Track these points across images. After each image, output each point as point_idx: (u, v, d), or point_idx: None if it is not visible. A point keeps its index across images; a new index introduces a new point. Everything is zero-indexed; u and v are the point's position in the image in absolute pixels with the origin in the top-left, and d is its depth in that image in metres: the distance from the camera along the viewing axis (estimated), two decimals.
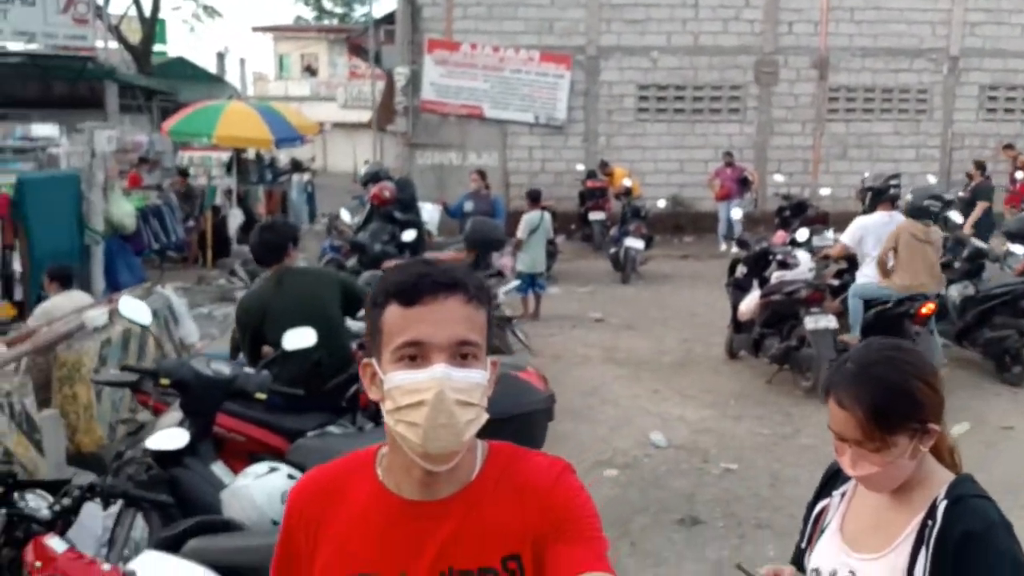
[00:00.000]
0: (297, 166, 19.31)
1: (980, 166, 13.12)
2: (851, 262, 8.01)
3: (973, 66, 17.17)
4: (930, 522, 1.75)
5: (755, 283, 8.17)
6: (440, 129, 17.09)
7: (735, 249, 14.24)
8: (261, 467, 3.46)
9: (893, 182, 8.97)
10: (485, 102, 17.08)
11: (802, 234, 8.75)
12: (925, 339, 7.30)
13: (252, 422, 4.21)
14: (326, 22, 48.44)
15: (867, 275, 7.55)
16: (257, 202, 16.36)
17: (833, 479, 2.04)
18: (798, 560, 2.04)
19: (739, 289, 8.41)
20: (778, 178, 15.74)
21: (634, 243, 12.50)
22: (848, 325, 7.50)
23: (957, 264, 8.71)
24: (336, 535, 1.45)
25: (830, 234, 9.55)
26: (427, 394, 1.31)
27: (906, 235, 7.28)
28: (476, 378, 1.36)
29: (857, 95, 17.26)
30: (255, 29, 52.24)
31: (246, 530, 2.96)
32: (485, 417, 1.38)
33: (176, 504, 3.29)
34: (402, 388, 1.34)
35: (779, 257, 7.89)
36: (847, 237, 7.92)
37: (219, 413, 3.91)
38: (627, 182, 14.51)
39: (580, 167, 16.54)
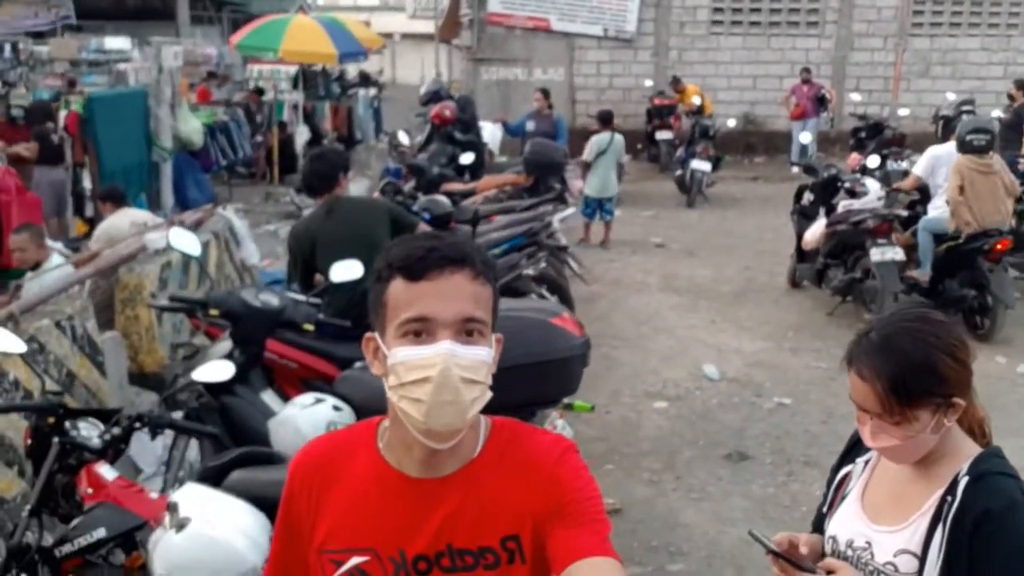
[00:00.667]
0: (365, 80, 19.21)
1: (1022, 86, 12.14)
2: (924, 193, 7.70)
3: None
4: (949, 498, 1.70)
5: (822, 211, 7.93)
6: (506, 43, 16.75)
7: (795, 170, 13.97)
8: (307, 397, 3.54)
9: (966, 107, 8.55)
10: (553, 14, 16.64)
11: (873, 160, 8.40)
12: (999, 276, 7.00)
13: (305, 349, 4.28)
14: None
15: (938, 207, 7.26)
16: (323, 118, 16.40)
17: (858, 445, 1.98)
18: (819, 524, 2.01)
19: (804, 217, 8.18)
20: (855, 97, 15.12)
21: (700, 165, 12.21)
22: (918, 260, 7.26)
23: None
24: (336, 508, 1.44)
25: (904, 163, 9.20)
26: (432, 370, 1.29)
27: (966, 170, 6.92)
28: (482, 355, 1.34)
29: (944, 7, 16.31)
30: None
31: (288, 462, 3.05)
32: (489, 395, 1.36)
33: (227, 431, 3.40)
34: (407, 364, 1.32)
35: (847, 185, 7.61)
36: (919, 168, 7.65)
37: (272, 340, 4.00)
38: (697, 100, 14.11)
39: (649, 83, 16.12)
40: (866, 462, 1.93)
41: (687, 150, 12.75)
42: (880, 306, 7.10)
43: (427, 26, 32.74)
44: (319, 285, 4.46)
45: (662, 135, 14.71)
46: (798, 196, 8.50)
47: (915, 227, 7.43)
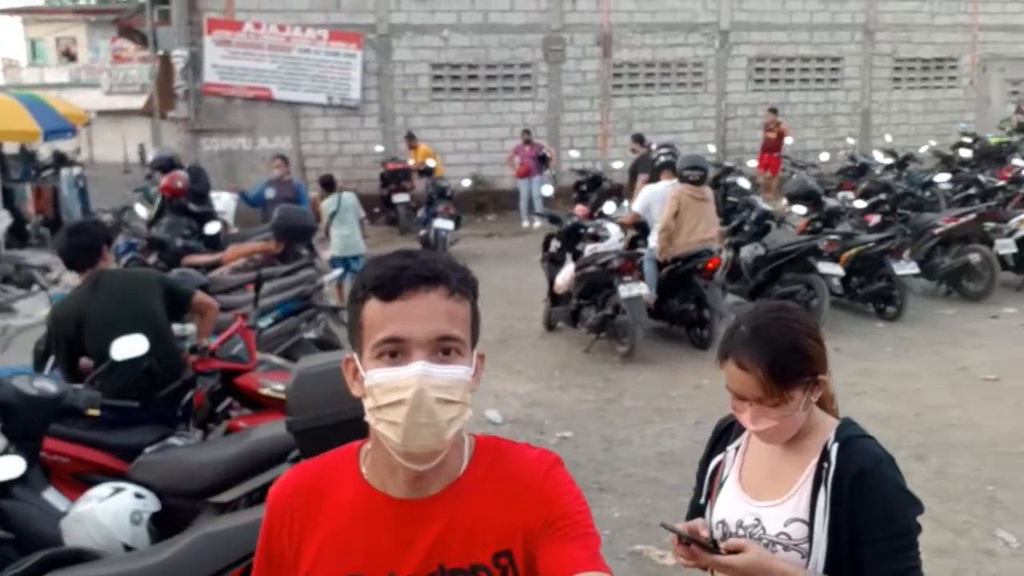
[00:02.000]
0: (62, 159, 17.79)
1: (638, 139, 13.88)
2: (644, 229, 8.48)
3: (742, 39, 18.42)
4: (825, 464, 1.89)
5: (569, 257, 8.42)
6: (227, 113, 16.32)
7: (537, 224, 14.73)
8: (104, 489, 3.21)
9: (663, 151, 9.95)
10: (274, 83, 16.46)
11: (609, 207, 9.10)
12: (712, 290, 7.98)
13: (78, 442, 3.87)
14: (83, 2, 44.77)
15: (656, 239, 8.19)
16: (24, 201, 14.99)
17: (724, 436, 2.14)
18: (695, 516, 2.12)
19: (554, 263, 8.65)
20: (573, 153, 16.30)
21: (444, 223, 12.52)
22: None
23: (747, 227, 9.39)
24: (321, 536, 1.40)
25: (625, 203, 10.09)
26: (406, 392, 1.27)
27: (685, 197, 8.08)
28: (459, 374, 1.32)
29: (639, 70, 18.09)
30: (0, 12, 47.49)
31: (102, 558, 2.72)
32: (469, 413, 1.35)
33: (12, 540, 2.97)
34: (382, 386, 1.30)
35: (590, 230, 8.17)
36: (637, 205, 8.64)
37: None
38: (431, 163, 14.49)
39: (379, 148, 16.35)
40: (736, 448, 2.08)
41: (428, 210, 13.03)
42: (632, 338, 7.69)
43: (127, 101, 31.00)
44: (87, 369, 4.06)
45: (399, 198, 14.92)
46: (546, 244, 8.97)
47: (640, 259, 8.11)
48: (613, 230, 8.16)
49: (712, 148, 16.94)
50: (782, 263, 8.67)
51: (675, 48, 18.18)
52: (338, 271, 8.05)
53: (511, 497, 1.39)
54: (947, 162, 14.72)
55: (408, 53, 16.97)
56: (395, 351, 1.30)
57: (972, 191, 11.00)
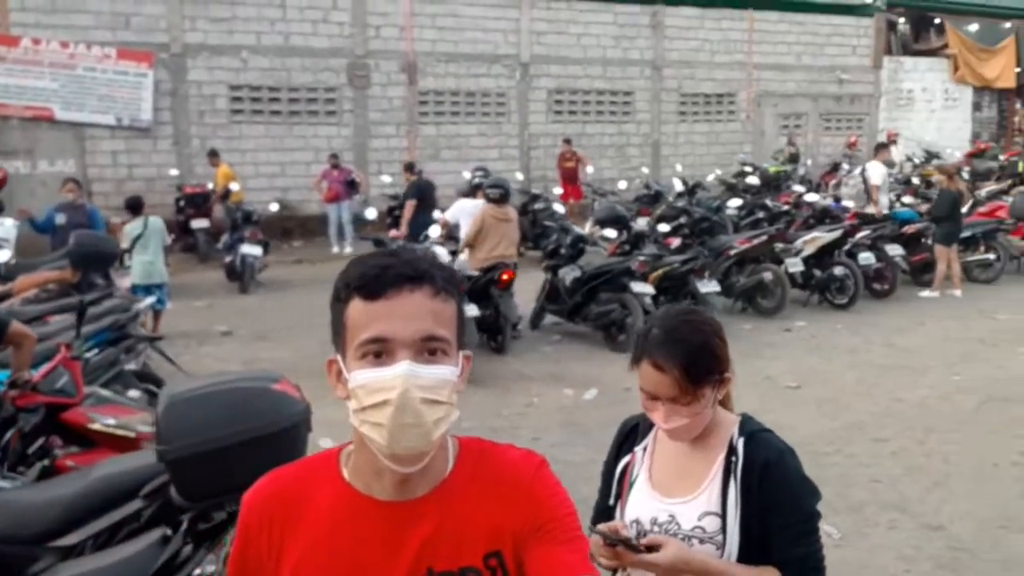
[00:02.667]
0: None
1: (409, 167, 14.32)
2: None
3: (541, 72, 19.07)
4: (733, 458, 1.99)
5: None
6: (2, 134, 14.96)
7: (348, 249, 14.51)
8: None
9: (479, 173, 10.84)
10: (55, 103, 15.27)
11: (435, 230, 9.13)
12: (506, 299, 8.53)
13: None
14: None
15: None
16: None
17: (629, 437, 2.20)
18: (603, 518, 2.15)
19: None
20: (385, 179, 16.19)
21: (251, 250, 12.04)
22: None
23: (563, 251, 9.69)
24: (303, 543, 1.35)
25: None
26: (391, 393, 1.24)
27: (487, 216, 8.76)
28: (444, 374, 1.29)
29: (444, 99, 18.29)
30: None
31: None
32: (456, 414, 1.31)
33: None
34: (366, 387, 1.27)
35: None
36: (448, 214, 9.46)
37: None
38: (235, 186, 13.93)
39: (174, 172, 15.54)
40: (644, 449, 2.14)
41: (233, 236, 12.49)
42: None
43: None
44: None
45: (198, 223, 14.23)
46: None
47: None
48: (441, 252, 8.17)
49: (520, 175, 17.37)
50: (598, 284, 9.00)
51: (479, 78, 18.55)
52: (151, 299, 7.52)
53: (499, 498, 1.37)
54: (732, 189, 15.91)
55: (204, 73, 16.28)
56: (379, 351, 1.27)
57: (761, 215, 11.92)
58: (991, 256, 11.95)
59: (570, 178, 17.38)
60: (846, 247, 10.60)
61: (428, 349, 1.28)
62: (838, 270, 10.48)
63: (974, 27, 23.76)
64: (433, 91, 18.14)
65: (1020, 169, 17.77)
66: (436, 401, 1.27)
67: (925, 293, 11.24)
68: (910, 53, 23.91)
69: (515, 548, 1.35)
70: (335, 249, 15.40)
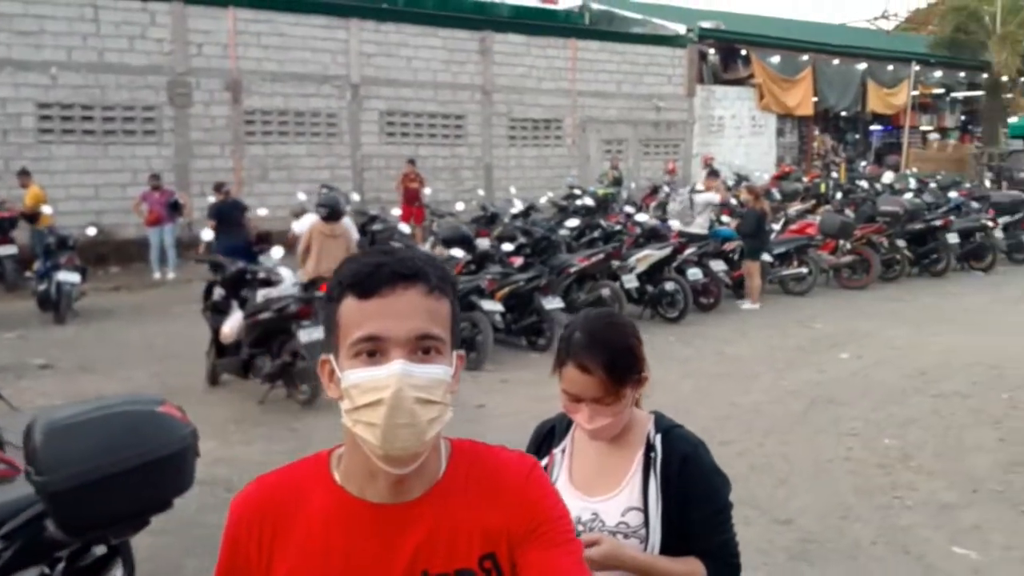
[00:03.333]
0: None
1: (218, 187, 14.15)
2: None
3: (372, 94, 18.98)
4: (652, 454, 2.05)
5: (235, 304, 8.01)
6: None
7: (171, 275, 13.82)
8: None
9: (323, 190, 10.83)
10: None
11: (277, 251, 8.83)
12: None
13: None
14: None
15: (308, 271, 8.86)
16: None
17: (546, 440, 2.23)
18: None
19: (218, 312, 8.15)
20: (211, 200, 15.50)
21: (68, 277, 11.23)
22: None
23: None
24: (295, 549, 1.32)
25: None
26: (385, 392, 1.23)
27: (317, 232, 9.00)
28: (438, 374, 1.28)
29: (272, 118, 17.84)
30: None
31: None
32: (450, 414, 1.30)
33: None
34: (359, 386, 1.25)
35: (261, 275, 7.84)
36: (297, 227, 9.83)
37: None
38: (47, 209, 12.97)
39: None
40: (562, 450, 2.17)
41: (47, 262, 11.60)
42: (315, 383, 7.49)
43: None
44: None
45: (5, 250, 13.13)
46: (207, 293, 8.45)
47: None
48: (286, 274, 7.92)
49: (356, 196, 17.15)
50: None
51: (308, 98, 18.23)
52: None
53: (493, 499, 1.36)
54: (563, 211, 16.36)
55: (10, 90, 15.15)
56: (373, 350, 1.25)
57: (596, 235, 12.32)
58: (804, 270, 12.88)
59: (412, 199, 17.35)
60: (675, 264, 11.14)
61: (422, 348, 1.26)
62: (669, 285, 10.98)
63: (776, 59, 25.66)
64: (260, 110, 17.66)
65: (823, 190, 19.29)
66: (430, 401, 1.25)
67: (746, 305, 11.96)
68: (720, 82, 25.52)
69: (509, 550, 1.34)
70: (156, 275, 14.67)
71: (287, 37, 17.83)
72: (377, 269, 1.27)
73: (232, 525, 1.36)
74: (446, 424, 1.31)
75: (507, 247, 10.88)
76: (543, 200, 17.54)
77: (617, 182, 20.05)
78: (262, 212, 14.15)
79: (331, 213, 9.07)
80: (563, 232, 13.00)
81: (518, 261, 10.75)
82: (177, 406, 2.64)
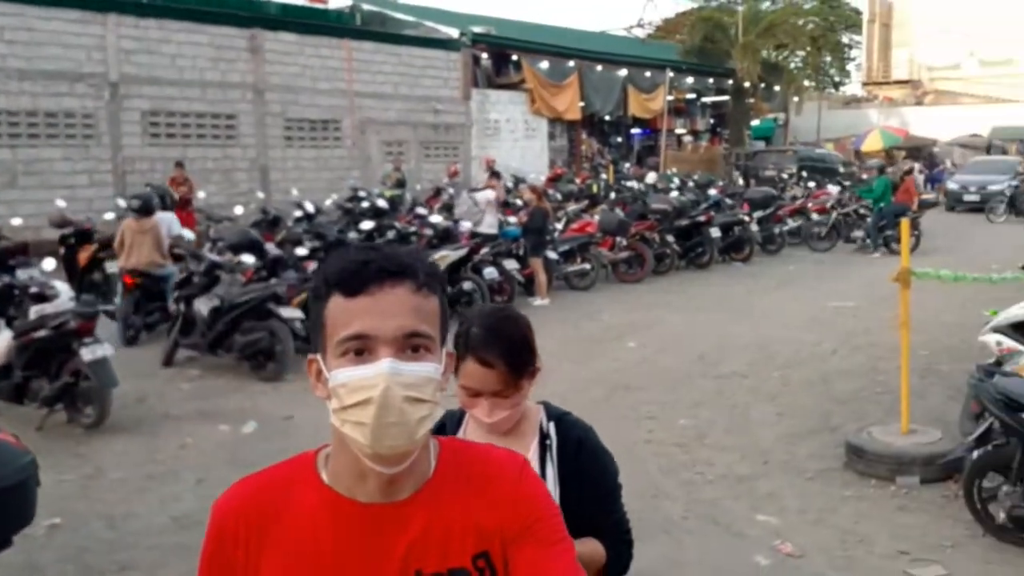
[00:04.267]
0: None
1: None
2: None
3: (134, 93, 17.73)
4: (548, 441, 2.12)
5: (2, 323, 7.24)
6: None
7: None
8: None
9: (148, 188, 12.39)
10: None
11: (48, 263, 8.04)
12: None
13: None
14: None
15: None
16: None
17: (439, 434, 2.21)
18: None
19: None
20: None
21: None
22: None
23: (196, 279, 9.12)
24: (283, 552, 1.29)
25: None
26: (374, 391, 1.21)
27: (128, 229, 10.01)
28: (428, 372, 1.26)
29: (20, 119, 16.24)
30: None
31: None
32: (440, 413, 1.31)
33: None
34: (347, 385, 1.23)
35: (34, 290, 7.13)
36: None
37: None
38: None
39: None
40: None
41: None
42: (101, 404, 6.92)
43: None
44: None
45: None
46: None
47: None
48: (63, 288, 7.25)
49: (122, 202, 15.89)
50: (241, 312, 8.61)
51: (60, 98, 16.75)
52: None
53: (485, 497, 1.35)
54: (348, 213, 16.09)
55: None
56: (361, 348, 1.24)
57: (390, 236, 12.24)
58: (587, 266, 13.48)
59: (183, 203, 16.36)
60: (471, 264, 11.30)
61: (411, 346, 1.25)
62: (467, 285, 11.13)
63: (545, 64, 26.62)
64: (6, 111, 16.04)
65: (595, 190, 20.25)
66: (419, 399, 1.24)
67: (537, 302, 12.33)
68: (494, 86, 26.12)
69: (502, 548, 1.33)
70: None
71: (36, 32, 16.30)
72: (364, 266, 1.25)
73: (216, 528, 1.32)
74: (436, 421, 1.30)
75: (301, 251, 10.56)
76: (328, 203, 17.16)
77: (400, 184, 19.99)
78: (15, 222, 12.82)
79: (141, 207, 9.89)
80: (352, 235, 12.81)
81: (312, 266, 10.47)
82: (13, 433, 2.36)
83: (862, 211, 18.43)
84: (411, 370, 1.23)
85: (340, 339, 1.24)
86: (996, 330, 6.36)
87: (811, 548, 4.96)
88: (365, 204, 15.66)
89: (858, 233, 17.88)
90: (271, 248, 10.27)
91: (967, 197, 25.30)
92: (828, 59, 40.17)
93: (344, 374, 1.24)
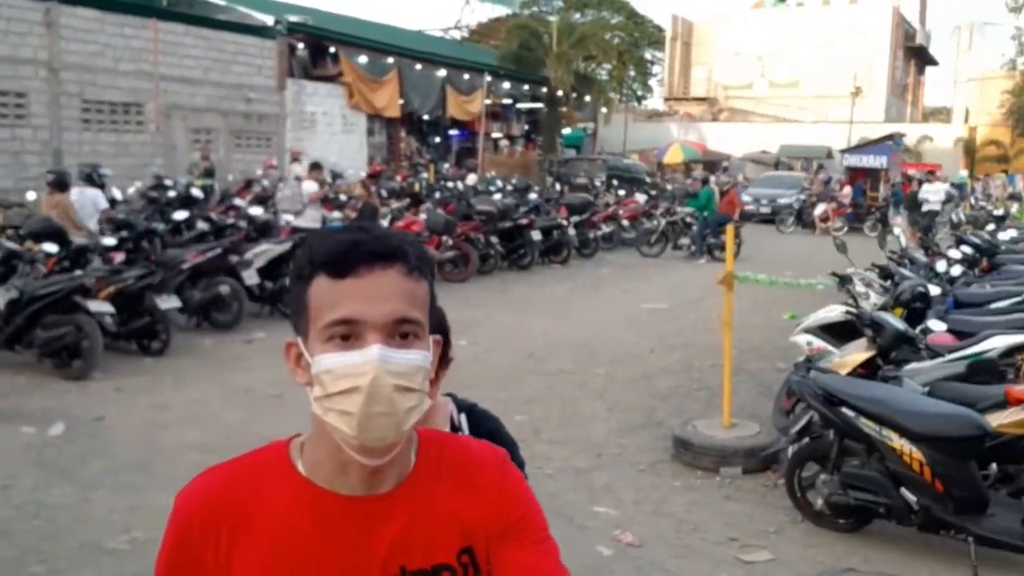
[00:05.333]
0: None
1: None
2: None
3: None
4: (460, 434, 2.08)
5: None
6: None
7: None
8: None
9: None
10: None
11: None
12: None
13: None
14: None
15: None
16: None
17: None
18: None
19: None
20: None
21: None
22: None
23: None
24: (258, 550, 1.21)
25: None
26: (362, 379, 1.15)
27: (44, 203, 9.90)
28: (418, 360, 1.19)
29: None
30: None
31: None
32: (428, 403, 1.21)
33: None
34: (333, 373, 1.16)
35: None
36: None
37: None
38: None
39: None
40: None
41: None
42: None
43: None
44: None
45: None
46: None
47: None
48: None
49: None
50: (44, 305, 7.90)
51: None
52: None
53: (468, 491, 1.30)
54: (153, 203, 15.14)
55: None
56: (347, 334, 1.17)
57: (207, 228, 11.62)
58: None
59: None
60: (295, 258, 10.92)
61: (400, 332, 1.18)
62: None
63: (364, 59, 26.21)
64: None
65: (416, 189, 20.15)
66: (409, 388, 1.18)
67: None
68: (311, 78, 25.42)
69: (486, 544, 1.29)
70: None
71: None
72: (353, 247, 1.18)
73: (180, 524, 1.23)
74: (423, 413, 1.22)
75: (109, 241, 9.83)
76: (131, 191, 16.08)
77: (209, 173, 19.01)
78: None
79: (54, 182, 10.30)
80: (161, 226, 12.07)
81: (119, 256, 9.78)
82: None
83: (688, 220, 19.45)
84: (401, 358, 1.17)
85: (326, 323, 1.17)
86: (807, 331, 6.86)
87: (649, 537, 5.15)
88: (172, 193, 14.80)
89: (685, 240, 18.88)
90: (76, 238, 9.50)
91: (760, 209, 27.21)
92: (632, 73, 41.97)
93: (330, 360, 1.16)
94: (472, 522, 1.28)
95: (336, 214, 13.89)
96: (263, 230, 11.99)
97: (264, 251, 10.67)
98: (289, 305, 1.28)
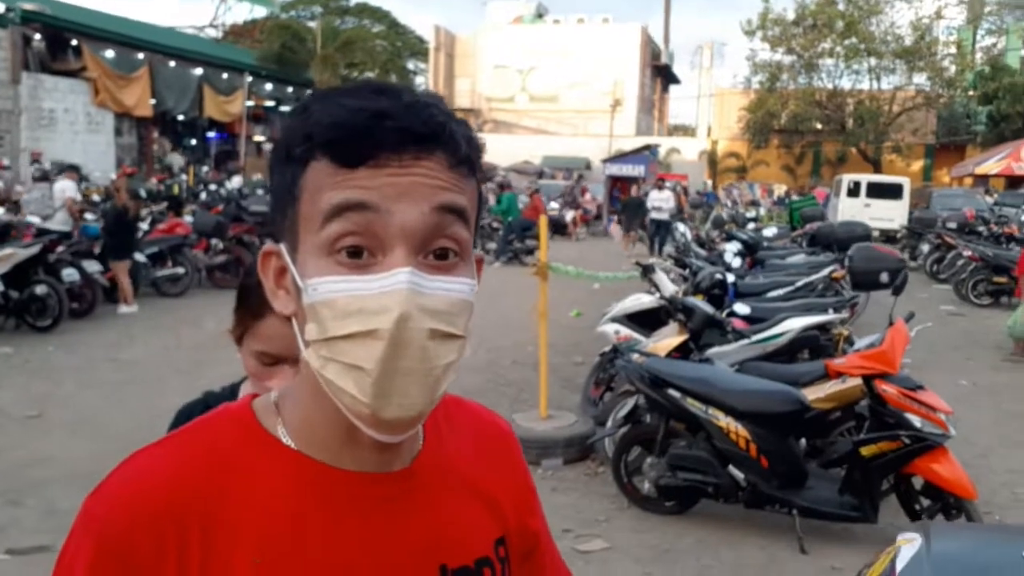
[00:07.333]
0: None
1: None
2: None
3: None
4: None
5: None
6: None
7: None
8: None
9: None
10: None
11: None
12: None
13: None
14: None
15: None
16: None
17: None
18: None
19: None
20: None
21: None
22: None
23: None
24: (246, 548, 0.81)
25: None
26: (382, 319, 0.76)
27: None
28: (463, 291, 0.82)
29: None
30: None
31: None
32: (467, 353, 0.84)
33: None
34: (336, 307, 0.77)
35: None
36: None
37: None
38: None
39: None
40: None
41: None
42: None
43: None
44: None
45: None
46: None
47: None
48: None
49: None
50: None
51: None
52: None
53: (489, 464, 1.00)
54: None
55: None
56: (358, 246, 0.78)
57: None
58: (180, 270, 12.33)
59: None
60: (45, 264, 9.70)
61: (437, 250, 0.80)
62: (40, 289, 9.50)
63: (111, 53, 24.16)
64: None
65: (176, 192, 18.74)
66: (450, 335, 0.80)
67: (123, 309, 11.00)
68: (50, 72, 23.07)
69: (518, 527, 1.01)
70: None
71: None
72: (376, 121, 0.77)
73: (112, 539, 0.78)
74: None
75: None
76: None
77: None
78: None
79: None
80: None
81: None
82: None
83: (495, 225, 19.48)
84: (441, 288, 0.79)
85: (326, 213, 0.77)
86: (614, 320, 6.91)
87: None
88: None
89: (492, 245, 18.87)
90: None
91: None
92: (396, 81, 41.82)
93: (333, 284, 0.77)
94: (501, 502, 0.99)
95: (90, 216, 12.57)
96: (4, 232, 10.57)
97: (9, 255, 9.37)
98: (271, 194, 0.85)
